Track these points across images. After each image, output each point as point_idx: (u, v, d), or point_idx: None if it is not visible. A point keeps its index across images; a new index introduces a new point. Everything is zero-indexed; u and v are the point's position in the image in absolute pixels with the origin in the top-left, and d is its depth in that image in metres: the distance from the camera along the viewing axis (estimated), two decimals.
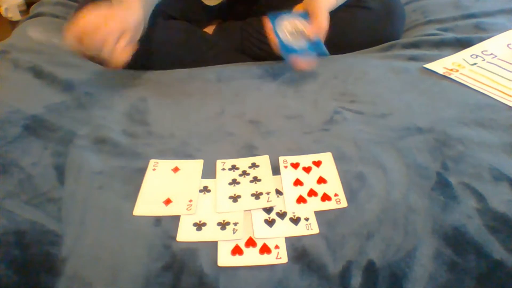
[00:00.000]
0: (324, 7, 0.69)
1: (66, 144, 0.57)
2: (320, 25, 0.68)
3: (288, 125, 0.62)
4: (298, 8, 0.73)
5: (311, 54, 0.69)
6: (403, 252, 0.44)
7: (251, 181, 0.53)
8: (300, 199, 0.50)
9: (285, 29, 0.69)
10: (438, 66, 0.73)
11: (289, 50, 0.69)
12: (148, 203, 0.50)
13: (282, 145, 0.58)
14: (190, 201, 0.50)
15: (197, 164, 0.55)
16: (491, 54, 0.75)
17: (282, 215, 0.48)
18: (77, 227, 0.47)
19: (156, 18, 0.80)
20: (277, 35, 0.69)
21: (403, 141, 0.57)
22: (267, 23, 0.71)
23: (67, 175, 0.53)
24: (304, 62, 0.69)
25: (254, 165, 0.55)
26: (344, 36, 0.82)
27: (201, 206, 0.50)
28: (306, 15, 0.71)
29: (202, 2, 0.83)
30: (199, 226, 0.47)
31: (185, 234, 0.46)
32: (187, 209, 0.49)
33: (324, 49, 0.68)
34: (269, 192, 0.51)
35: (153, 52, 0.80)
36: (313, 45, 0.69)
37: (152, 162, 0.55)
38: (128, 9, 0.65)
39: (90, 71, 0.76)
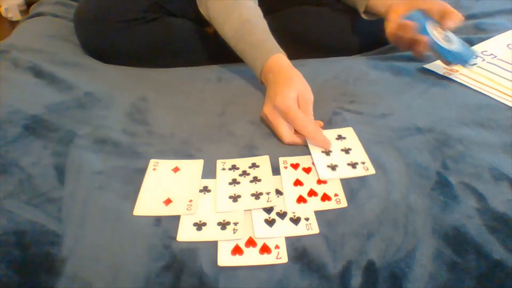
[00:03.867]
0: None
1: (66, 144, 0.57)
2: (457, 17, 0.66)
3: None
4: (403, 10, 0.70)
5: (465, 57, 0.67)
6: (403, 252, 0.44)
7: (251, 181, 0.53)
8: (300, 199, 0.50)
9: (436, 33, 0.67)
10: (438, 66, 0.73)
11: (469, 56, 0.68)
12: (148, 203, 0.50)
13: (282, 145, 0.58)
14: (190, 201, 0.50)
15: (197, 164, 0.55)
16: (491, 54, 0.75)
17: (282, 215, 0.48)
18: (77, 227, 0.47)
19: (158, 16, 0.80)
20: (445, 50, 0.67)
21: (403, 141, 0.57)
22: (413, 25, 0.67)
23: (67, 175, 0.53)
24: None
25: (254, 165, 0.55)
26: (345, 41, 0.82)
27: (201, 206, 0.50)
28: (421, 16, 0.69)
29: None
30: (199, 226, 0.47)
31: (185, 234, 0.46)
32: (187, 209, 0.49)
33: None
34: (269, 192, 0.51)
35: (154, 50, 0.80)
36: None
37: (152, 162, 0.55)
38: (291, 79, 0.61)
39: (90, 71, 0.76)
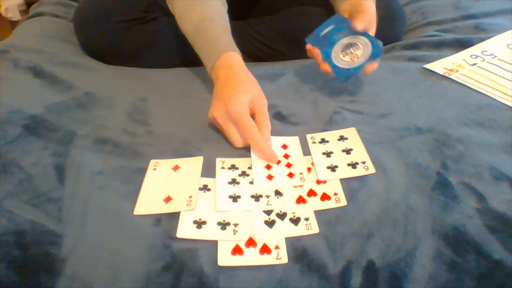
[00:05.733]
0: (369, 4, 0.65)
1: (66, 144, 0.57)
2: (369, 18, 0.63)
3: (288, 126, 0.62)
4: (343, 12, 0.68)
5: (375, 58, 0.65)
6: (403, 252, 0.44)
7: (250, 182, 0.53)
8: (300, 200, 0.50)
9: (338, 52, 0.65)
10: (438, 66, 0.73)
11: (346, 73, 0.66)
12: (148, 202, 0.50)
13: None
14: (190, 197, 0.50)
15: (197, 161, 0.55)
16: (491, 54, 0.75)
17: (282, 216, 0.48)
18: (77, 227, 0.47)
19: (157, 16, 0.80)
20: (331, 63, 0.65)
21: (403, 141, 0.57)
22: (313, 50, 0.66)
23: (67, 175, 0.53)
24: (372, 65, 0.65)
25: None
26: None
27: (201, 204, 0.50)
28: (340, 21, 0.66)
29: None
30: (199, 224, 0.47)
31: (185, 231, 0.46)
32: (187, 205, 0.49)
33: (379, 46, 0.64)
34: (269, 196, 0.51)
35: (154, 50, 0.80)
36: (374, 51, 0.65)
37: (152, 162, 0.55)
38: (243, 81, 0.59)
39: (90, 71, 0.76)
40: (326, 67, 0.65)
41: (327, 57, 0.65)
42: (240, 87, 0.58)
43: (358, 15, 0.63)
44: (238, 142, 0.57)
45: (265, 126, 0.56)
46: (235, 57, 0.63)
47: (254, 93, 0.58)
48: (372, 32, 0.65)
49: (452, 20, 0.88)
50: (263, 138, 0.55)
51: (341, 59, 0.65)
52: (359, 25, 0.62)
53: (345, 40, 0.64)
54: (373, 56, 0.64)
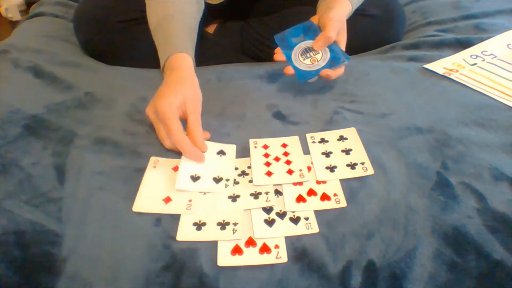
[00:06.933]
0: (336, 18, 0.66)
1: (66, 144, 0.57)
2: (327, 38, 0.65)
3: (288, 125, 0.62)
4: (314, 19, 0.70)
5: (334, 65, 0.66)
6: (403, 252, 0.44)
7: (250, 181, 0.53)
8: (300, 199, 0.50)
9: (298, 54, 0.67)
10: (438, 66, 0.73)
11: (307, 75, 0.67)
12: (147, 200, 0.50)
13: None
14: (190, 200, 0.50)
15: None
16: (491, 54, 0.75)
17: (282, 215, 0.48)
18: (77, 227, 0.47)
19: None
20: (292, 64, 0.67)
21: (403, 141, 0.57)
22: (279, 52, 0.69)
23: (67, 175, 0.53)
24: (332, 72, 0.66)
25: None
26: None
27: (201, 205, 0.50)
28: (311, 29, 0.69)
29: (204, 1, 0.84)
30: (198, 225, 0.47)
31: (185, 233, 0.46)
32: (186, 208, 0.49)
33: (343, 56, 0.66)
34: (268, 192, 0.51)
35: (154, 50, 0.80)
36: (332, 57, 0.66)
37: (152, 159, 0.55)
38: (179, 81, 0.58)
39: (90, 71, 0.76)
40: (288, 69, 0.67)
41: (288, 59, 0.67)
42: (173, 87, 0.57)
43: (323, 28, 0.66)
44: (166, 142, 0.56)
45: (196, 132, 0.54)
46: (184, 58, 0.62)
47: (187, 96, 0.56)
48: (340, 36, 0.67)
49: (452, 20, 0.88)
50: (186, 140, 0.53)
51: (301, 61, 0.67)
52: (316, 45, 0.66)
53: (302, 45, 0.67)
54: (334, 61, 0.66)
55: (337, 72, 0.66)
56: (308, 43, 0.67)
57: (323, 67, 0.66)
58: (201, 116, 0.57)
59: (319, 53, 0.66)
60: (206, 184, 0.52)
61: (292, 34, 0.70)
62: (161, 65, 0.64)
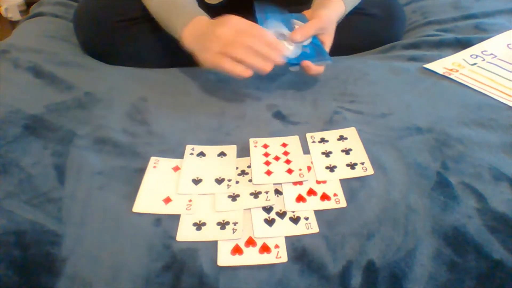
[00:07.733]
0: (325, 17, 0.66)
1: (66, 144, 0.57)
2: (305, 33, 0.65)
3: (288, 125, 0.62)
4: (307, 13, 0.71)
5: (320, 59, 0.66)
6: (403, 252, 0.44)
7: (249, 180, 0.53)
8: (300, 198, 0.50)
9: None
10: (438, 66, 0.73)
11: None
12: (147, 201, 0.50)
13: None
14: (190, 201, 0.50)
15: None
16: (491, 54, 0.75)
17: (282, 214, 0.48)
18: (77, 227, 0.47)
19: None
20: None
21: (403, 141, 0.57)
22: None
23: (67, 175, 0.53)
24: (314, 67, 0.66)
25: None
26: (345, 41, 0.82)
27: (200, 205, 0.50)
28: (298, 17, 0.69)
29: (203, 0, 0.83)
30: (198, 226, 0.47)
31: (185, 234, 0.46)
32: (186, 208, 0.49)
33: (327, 55, 0.66)
34: (268, 191, 0.51)
35: (154, 50, 0.80)
36: (315, 50, 0.66)
37: (152, 159, 0.55)
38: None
39: (90, 71, 0.76)
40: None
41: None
42: (221, 22, 0.60)
43: (310, 21, 0.67)
44: (246, 71, 0.58)
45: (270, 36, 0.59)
46: (204, 19, 0.65)
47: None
48: (326, 36, 0.67)
49: (452, 19, 0.88)
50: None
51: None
52: (293, 35, 0.65)
53: (280, 30, 0.67)
54: (320, 56, 0.65)
55: (317, 69, 0.66)
56: (287, 31, 0.67)
57: (294, 60, 0.65)
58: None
59: (292, 45, 0.66)
60: (208, 186, 0.52)
61: (274, 12, 0.70)
62: (179, 30, 0.65)
